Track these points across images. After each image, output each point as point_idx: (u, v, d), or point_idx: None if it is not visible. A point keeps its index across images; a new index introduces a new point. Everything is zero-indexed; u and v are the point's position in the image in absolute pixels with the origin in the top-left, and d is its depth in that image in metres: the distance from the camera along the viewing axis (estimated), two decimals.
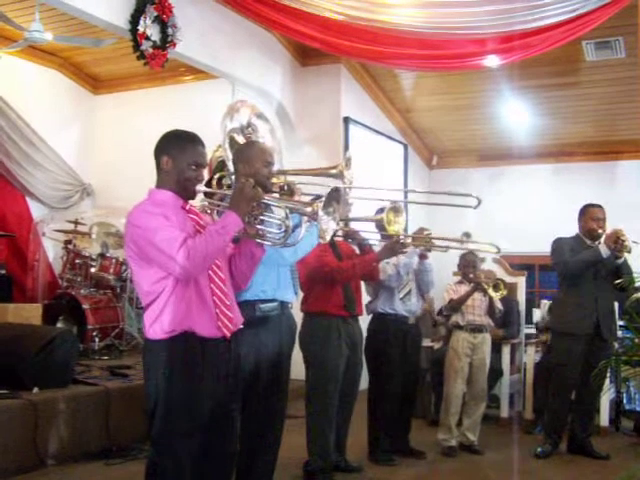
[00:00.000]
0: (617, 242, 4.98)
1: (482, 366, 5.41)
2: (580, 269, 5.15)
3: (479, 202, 4.12)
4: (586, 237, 5.25)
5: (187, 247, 2.55)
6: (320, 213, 2.66)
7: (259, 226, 2.78)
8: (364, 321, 4.94)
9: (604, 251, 5.02)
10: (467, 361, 5.37)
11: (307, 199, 3.16)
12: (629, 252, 5.02)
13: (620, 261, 5.06)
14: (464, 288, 5.46)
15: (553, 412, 5.35)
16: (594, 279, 5.15)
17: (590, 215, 5.26)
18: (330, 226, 2.75)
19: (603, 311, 5.17)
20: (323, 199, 2.68)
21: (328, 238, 2.77)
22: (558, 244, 5.31)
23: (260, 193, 2.71)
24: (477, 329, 5.41)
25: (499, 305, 5.45)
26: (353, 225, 4.72)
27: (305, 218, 2.80)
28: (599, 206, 5.29)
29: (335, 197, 2.76)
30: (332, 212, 2.76)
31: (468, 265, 5.44)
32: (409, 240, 4.71)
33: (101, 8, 5.34)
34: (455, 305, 5.43)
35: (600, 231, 5.15)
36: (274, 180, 3.31)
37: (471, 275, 5.40)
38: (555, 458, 5.15)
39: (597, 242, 5.16)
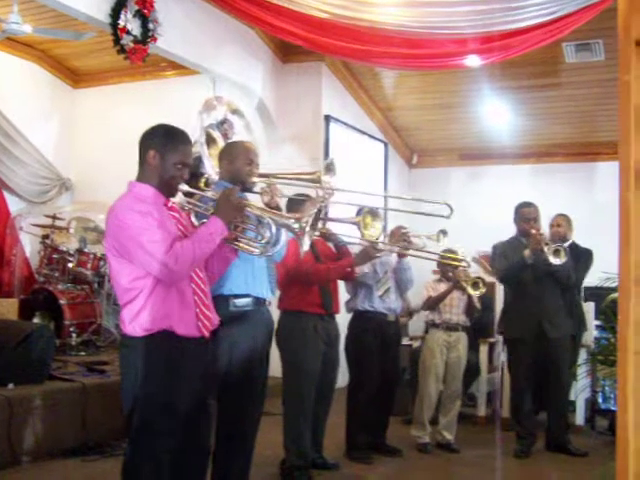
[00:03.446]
0: (540, 249, 4.96)
1: (458, 365, 5.43)
2: (508, 276, 5.21)
3: (451, 211, 4.24)
4: (522, 237, 5.22)
5: (175, 251, 2.55)
6: (307, 229, 2.69)
7: (241, 234, 2.78)
8: (344, 319, 4.95)
9: (528, 257, 5.04)
10: (443, 359, 5.39)
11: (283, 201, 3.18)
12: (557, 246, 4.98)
13: (551, 261, 4.94)
14: (443, 286, 5.47)
15: (516, 414, 5.38)
16: (534, 280, 5.14)
17: (521, 216, 5.24)
18: (306, 241, 2.76)
19: (547, 311, 5.16)
20: (311, 216, 2.70)
21: (306, 249, 2.78)
22: (494, 251, 5.34)
23: (245, 202, 2.70)
24: (453, 328, 5.43)
25: (477, 304, 5.47)
26: (330, 225, 4.74)
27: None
28: (530, 205, 5.25)
29: (319, 216, 2.81)
30: (313, 230, 2.81)
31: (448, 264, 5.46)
32: (387, 242, 4.73)
33: (81, 1, 5.29)
34: (432, 303, 5.44)
35: (533, 231, 5.07)
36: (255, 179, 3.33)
37: (450, 274, 5.43)
38: (533, 456, 5.18)
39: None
